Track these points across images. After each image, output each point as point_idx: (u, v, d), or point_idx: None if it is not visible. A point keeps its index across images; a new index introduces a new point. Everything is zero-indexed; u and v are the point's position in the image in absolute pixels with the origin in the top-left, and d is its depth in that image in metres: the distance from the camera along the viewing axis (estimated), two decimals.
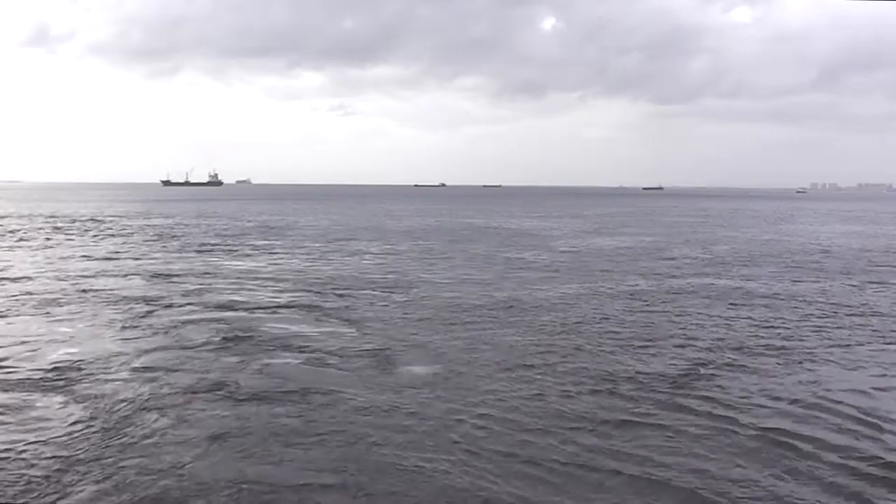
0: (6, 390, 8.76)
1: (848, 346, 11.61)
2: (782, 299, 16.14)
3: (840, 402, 8.55)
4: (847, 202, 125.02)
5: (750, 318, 13.87)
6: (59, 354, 10.44)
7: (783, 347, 11.40)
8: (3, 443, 7.07)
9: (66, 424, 7.56)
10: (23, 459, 6.66)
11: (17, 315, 13.51)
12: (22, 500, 5.86)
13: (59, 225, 40.13)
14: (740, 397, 8.72)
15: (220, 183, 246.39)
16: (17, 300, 15.04)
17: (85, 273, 19.50)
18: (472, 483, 6.30)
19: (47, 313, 13.67)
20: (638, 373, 9.73)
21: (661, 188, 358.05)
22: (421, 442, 7.21)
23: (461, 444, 7.16)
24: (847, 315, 14.28)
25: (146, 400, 8.45)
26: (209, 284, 17.61)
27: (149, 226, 40.48)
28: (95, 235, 33.08)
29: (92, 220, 45.62)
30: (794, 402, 8.60)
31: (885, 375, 9.90)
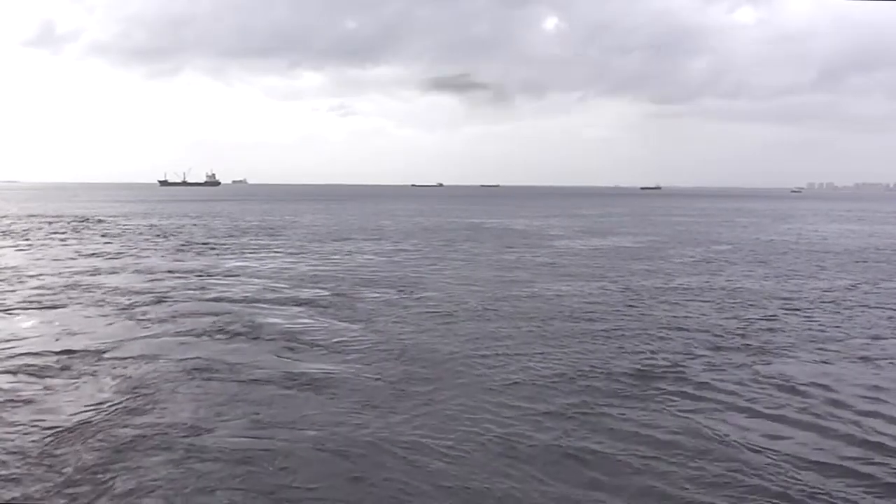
0: (22, 376, 9.18)
1: (835, 341, 11.93)
2: (770, 297, 16.47)
3: (819, 398, 8.87)
4: (843, 202, 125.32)
5: (740, 315, 14.19)
6: (67, 345, 10.79)
7: (767, 344, 11.72)
8: (23, 422, 7.46)
9: (79, 405, 7.88)
10: (40, 436, 7.00)
11: (24, 311, 13.80)
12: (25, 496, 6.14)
13: (59, 225, 40.33)
14: (727, 392, 9.04)
15: (217, 183, 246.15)
16: (22, 297, 15.31)
17: (87, 271, 19.76)
18: (462, 470, 6.60)
19: (52, 309, 13.96)
20: (630, 367, 10.03)
21: (658, 188, 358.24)
22: (416, 430, 7.50)
23: (455, 435, 7.46)
24: (834, 311, 14.62)
25: (152, 383, 8.82)
26: (209, 282, 17.88)
27: (147, 226, 40.69)
28: (95, 235, 33.30)
29: (91, 219, 45.81)
30: (772, 398, 8.91)
31: (866, 373, 10.21)
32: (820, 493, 6.15)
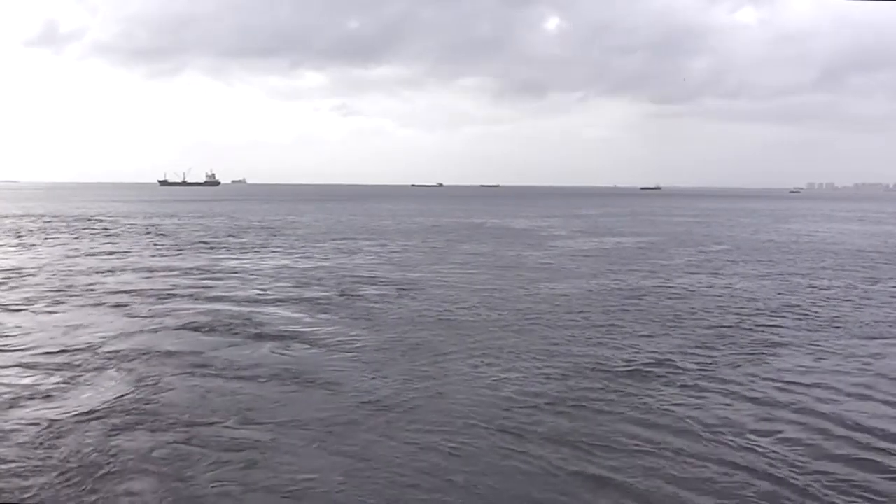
0: (24, 372, 9.28)
1: (834, 339, 11.95)
2: (769, 296, 16.50)
3: (803, 398, 8.90)
4: (843, 202, 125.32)
5: (740, 313, 14.22)
6: (68, 341, 10.87)
7: (766, 342, 11.74)
8: (25, 416, 7.49)
9: (80, 400, 7.93)
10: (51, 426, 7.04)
11: (25, 309, 13.82)
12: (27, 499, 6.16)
13: (60, 224, 40.37)
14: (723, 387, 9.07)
15: (217, 183, 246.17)
16: (23, 296, 15.34)
17: (87, 270, 19.79)
18: (464, 461, 6.62)
19: (53, 307, 14.01)
20: (629, 363, 10.07)
21: (658, 188, 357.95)
22: (416, 426, 7.52)
23: (456, 428, 7.48)
24: (834, 309, 14.65)
25: (152, 380, 8.86)
26: (209, 281, 17.90)
27: (147, 225, 40.71)
28: (95, 234, 33.34)
29: (91, 219, 45.85)
30: (754, 397, 8.94)
31: (857, 373, 10.23)
32: (816, 489, 6.17)
